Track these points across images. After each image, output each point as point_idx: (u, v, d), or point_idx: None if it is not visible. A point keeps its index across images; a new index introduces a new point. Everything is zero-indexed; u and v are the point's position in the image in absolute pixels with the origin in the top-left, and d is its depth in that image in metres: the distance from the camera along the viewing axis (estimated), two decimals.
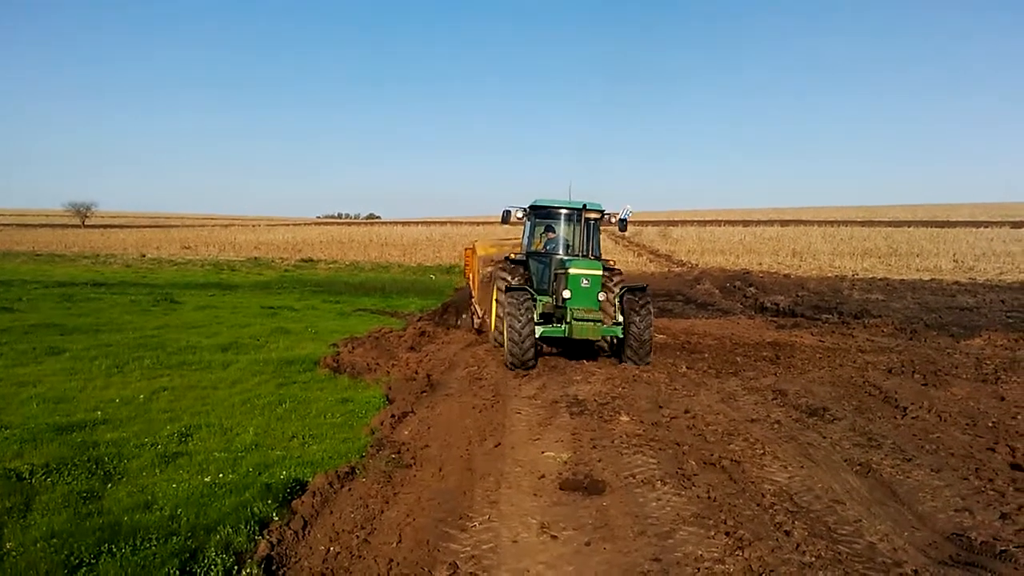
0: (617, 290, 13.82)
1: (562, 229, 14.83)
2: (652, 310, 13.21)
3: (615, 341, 13.58)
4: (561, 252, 14.46)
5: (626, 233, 14.08)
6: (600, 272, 13.19)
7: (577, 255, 14.12)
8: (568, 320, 12.74)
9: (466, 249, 19.50)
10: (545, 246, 14.94)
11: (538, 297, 13.53)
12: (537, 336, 12.74)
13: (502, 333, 13.24)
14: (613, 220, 14.81)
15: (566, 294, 12.83)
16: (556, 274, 13.72)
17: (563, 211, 14.69)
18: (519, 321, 12.26)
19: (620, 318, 13.33)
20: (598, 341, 13.80)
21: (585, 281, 12.90)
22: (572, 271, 12.90)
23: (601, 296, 13.08)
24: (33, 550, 5.24)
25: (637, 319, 12.83)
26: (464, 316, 17.77)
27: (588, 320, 12.61)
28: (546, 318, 13.47)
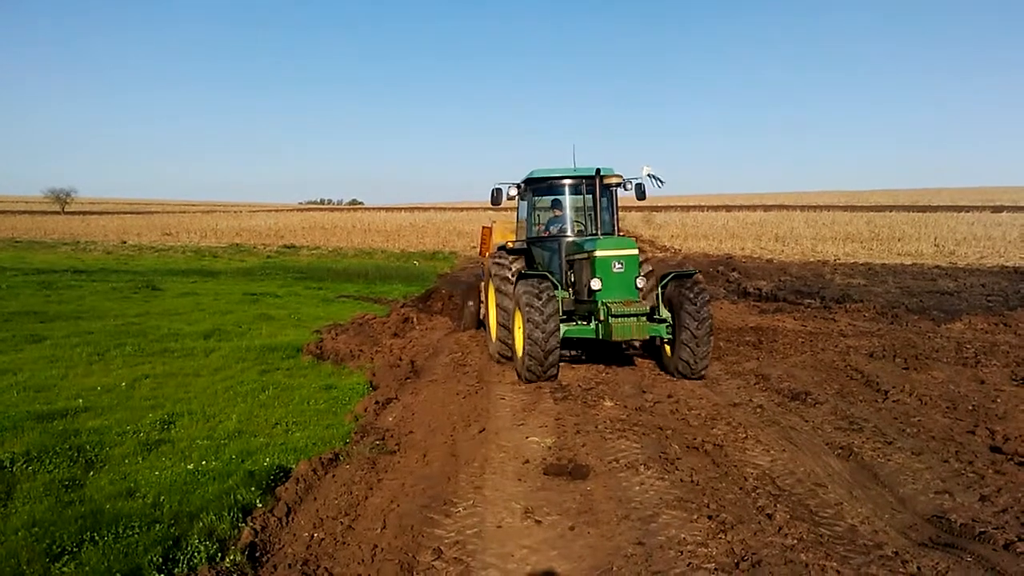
0: (649, 275, 11.41)
1: (569, 204, 12.11)
2: (709, 300, 10.37)
3: (656, 341, 11.05)
4: (570, 233, 11.92)
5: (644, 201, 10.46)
6: (635, 252, 10.48)
7: (595, 234, 11.32)
8: (603, 318, 10.03)
9: (483, 228, 17.18)
10: (547, 227, 12.43)
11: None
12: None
13: (505, 343, 11.26)
14: (628, 187, 11.94)
15: (595, 284, 10.18)
16: (572, 260, 11.19)
17: (568, 181, 11.89)
18: (541, 318, 9.73)
19: (664, 313, 10.60)
20: (633, 341, 11.22)
21: (618, 264, 10.24)
22: (599, 253, 10.24)
23: (640, 282, 10.44)
24: (14, 539, 5.21)
25: (694, 320, 10.03)
26: (470, 303, 15.41)
27: (630, 315, 9.89)
28: (565, 315, 10.75)
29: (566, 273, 11.45)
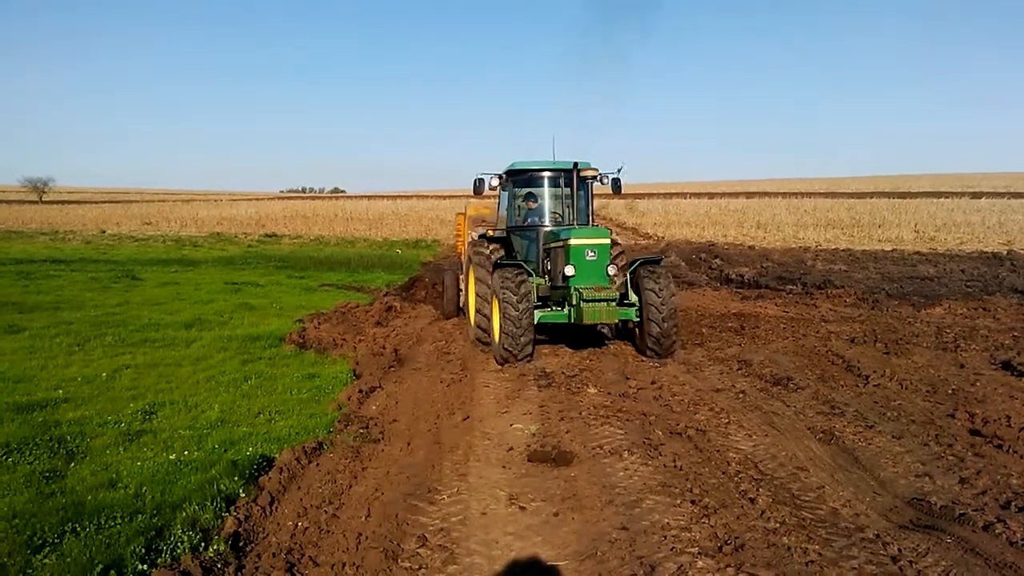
0: (620, 263, 11.92)
1: (547, 195, 12.70)
2: (672, 285, 11.01)
3: (628, 325, 11.79)
4: (548, 223, 12.49)
5: (601, 203, 11.27)
6: (608, 240, 11.12)
7: (571, 224, 12.08)
8: (575, 303, 10.61)
9: (458, 215, 17.22)
10: (526, 218, 12.91)
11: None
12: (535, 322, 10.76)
13: (482, 328, 11.64)
14: (605, 181, 12.43)
15: (568, 271, 10.78)
16: (549, 248, 11.77)
17: (547, 174, 12.50)
18: (515, 302, 10.32)
19: (633, 298, 11.20)
20: (603, 326, 11.90)
21: (591, 253, 10.81)
22: (574, 242, 10.83)
23: (611, 270, 11.02)
24: None
25: (656, 298, 10.68)
26: (450, 293, 15.39)
27: (600, 301, 10.48)
28: (540, 302, 11.40)
29: (543, 261, 11.96)
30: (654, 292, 10.75)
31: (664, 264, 11.28)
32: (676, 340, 10.92)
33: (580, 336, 12.32)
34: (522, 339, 10.37)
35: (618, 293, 10.87)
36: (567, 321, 10.90)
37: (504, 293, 10.43)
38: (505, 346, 10.43)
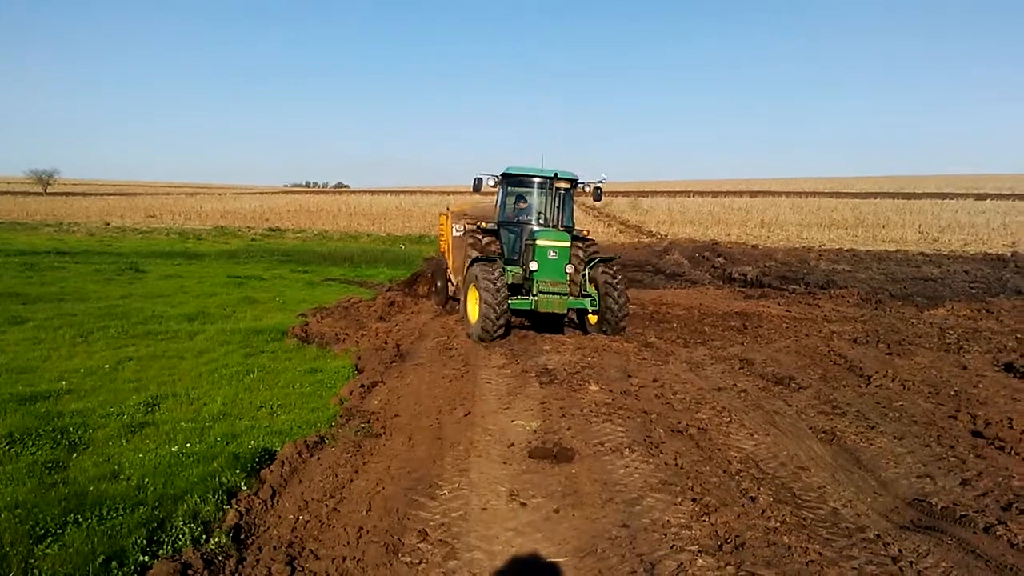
0: (585, 259, 13.72)
1: (535, 198, 14.27)
2: (624, 279, 13.04)
3: (581, 313, 13.64)
4: (533, 222, 14.00)
5: (599, 203, 13.48)
6: (568, 244, 12.91)
7: (550, 225, 13.76)
8: (534, 292, 12.65)
9: (440, 214, 17.96)
10: (517, 215, 14.38)
11: (507, 268, 13.08)
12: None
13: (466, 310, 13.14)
14: (587, 189, 14.40)
15: (533, 266, 12.70)
16: (526, 244, 13.44)
17: (535, 179, 14.11)
18: (493, 291, 11.88)
19: (590, 290, 13.24)
20: (565, 314, 13.65)
21: (552, 253, 12.68)
22: (540, 242, 12.73)
23: (569, 268, 12.85)
24: None
25: (609, 289, 12.69)
26: (439, 283, 16.47)
27: (554, 293, 12.55)
28: (515, 289, 13.07)
29: (522, 254, 13.55)
30: (608, 285, 12.72)
31: (617, 261, 13.59)
32: (627, 321, 13.03)
33: (546, 322, 14.05)
34: (498, 322, 11.90)
35: (569, 288, 12.92)
36: (530, 308, 12.74)
37: (485, 283, 11.95)
38: (482, 327, 11.94)
